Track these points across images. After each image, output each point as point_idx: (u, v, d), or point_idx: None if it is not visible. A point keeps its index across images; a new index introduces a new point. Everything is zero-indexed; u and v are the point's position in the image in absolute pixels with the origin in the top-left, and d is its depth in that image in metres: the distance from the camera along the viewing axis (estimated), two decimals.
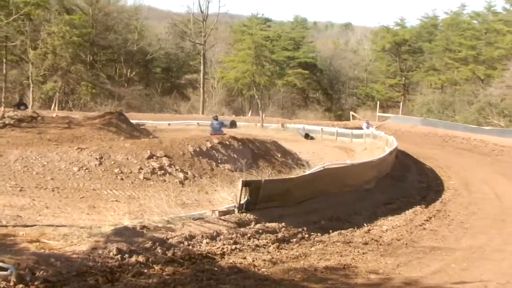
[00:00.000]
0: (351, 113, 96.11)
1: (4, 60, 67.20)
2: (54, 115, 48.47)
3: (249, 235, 21.81)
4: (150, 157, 32.38)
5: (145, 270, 16.90)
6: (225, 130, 55.84)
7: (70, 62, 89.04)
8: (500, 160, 49.80)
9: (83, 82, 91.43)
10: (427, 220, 29.43)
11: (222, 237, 20.92)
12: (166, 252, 18.32)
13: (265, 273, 18.43)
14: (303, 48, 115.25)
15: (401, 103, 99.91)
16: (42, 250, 16.88)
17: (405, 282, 18.81)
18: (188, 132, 48.50)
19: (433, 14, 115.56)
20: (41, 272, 15.28)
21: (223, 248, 19.98)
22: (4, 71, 68.14)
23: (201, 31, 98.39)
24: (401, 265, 21.13)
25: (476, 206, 33.15)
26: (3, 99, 62.66)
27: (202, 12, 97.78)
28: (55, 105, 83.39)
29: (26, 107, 56.43)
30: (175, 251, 18.52)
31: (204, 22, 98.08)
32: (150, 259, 17.56)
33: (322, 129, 69.09)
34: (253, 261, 19.34)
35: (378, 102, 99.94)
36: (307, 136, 64.58)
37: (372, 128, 48.90)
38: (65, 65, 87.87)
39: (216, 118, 47.89)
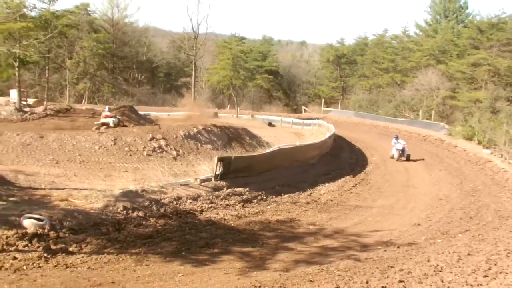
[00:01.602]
0: (303, 107, 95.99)
1: (47, 67, 66.86)
2: (83, 107, 48.14)
3: (221, 197, 22.01)
4: (152, 139, 32.35)
5: (144, 222, 17.10)
6: (209, 119, 55.72)
7: (96, 69, 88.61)
8: (409, 143, 49.82)
9: (106, 84, 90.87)
10: (354, 186, 29.69)
11: (201, 198, 21.12)
12: (160, 209, 18.53)
13: (232, 224, 18.63)
14: (268, 59, 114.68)
15: (340, 100, 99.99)
16: (69, 207, 17.04)
17: (334, 231, 19.05)
18: (181, 121, 48.35)
19: (365, 35, 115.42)
20: (67, 223, 15.50)
21: (202, 206, 20.20)
22: (47, 75, 67.80)
23: (193, 46, 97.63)
24: (332, 218, 21.38)
25: (390, 176, 33.49)
26: (46, 96, 62.37)
27: (194, 31, 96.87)
28: (85, 100, 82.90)
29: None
30: (166, 208, 18.74)
31: (196, 39, 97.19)
32: (147, 214, 17.76)
33: (281, 119, 68.93)
34: (224, 216, 19.56)
35: (323, 99, 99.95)
36: (270, 124, 64.38)
37: (401, 144, 42.52)
38: (93, 71, 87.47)
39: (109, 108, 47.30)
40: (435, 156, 42.88)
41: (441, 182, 32.42)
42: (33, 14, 38.27)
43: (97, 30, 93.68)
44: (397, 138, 42.01)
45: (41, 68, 78.40)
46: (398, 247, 16.46)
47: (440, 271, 12.33)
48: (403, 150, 40.62)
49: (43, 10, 47.42)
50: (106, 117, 37.28)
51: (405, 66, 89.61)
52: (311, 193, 26.58)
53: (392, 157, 40.91)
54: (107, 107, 41.06)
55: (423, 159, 38.24)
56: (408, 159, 40.11)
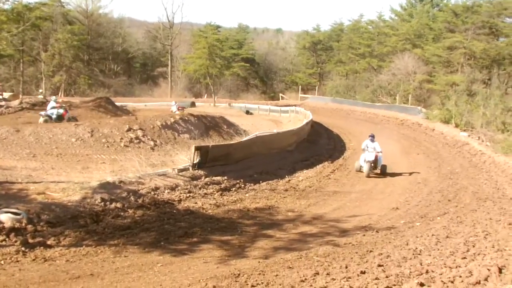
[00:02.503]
0: (281, 95, 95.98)
1: (22, 60, 66.42)
2: (60, 100, 47.88)
3: (200, 186, 22.01)
4: (129, 130, 32.18)
5: (122, 213, 17.06)
6: (186, 109, 55.53)
7: (72, 61, 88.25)
8: (387, 128, 50.27)
9: (82, 75, 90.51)
10: (332, 172, 29.84)
11: (179, 188, 21.11)
12: (137, 199, 18.48)
13: (211, 213, 18.63)
14: (245, 47, 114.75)
15: (317, 86, 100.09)
16: (46, 200, 16.95)
17: (313, 217, 19.10)
18: (159, 111, 48.22)
19: (340, 21, 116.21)
20: (45, 216, 15.42)
21: (180, 196, 20.18)
22: (21, 68, 67.36)
23: (169, 36, 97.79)
24: (311, 205, 21.45)
25: None
26: (21, 89, 61.92)
27: (169, 21, 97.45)
28: (61, 92, 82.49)
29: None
30: (144, 199, 18.71)
31: (171, 29, 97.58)
32: (125, 205, 17.71)
33: (259, 107, 68.92)
34: (202, 205, 19.56)
35: (300, 86, 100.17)
36: (247, 112, 64.31)
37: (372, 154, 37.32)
38: (68, 63, 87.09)
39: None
40: (413, 140, 43.21)
41: (419, 165, 32.66)
42: (5, 7, 37.84)
43: (71, 22, 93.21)
44: (372, 138, 30.70)
45: (16, 61, 77.88)
46: (377, 231, 16.55)
47: (419, 254, 12.42)
48: (375, 161, 29.77)
49: (16, 3, 47.01)
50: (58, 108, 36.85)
51: (381, 51, 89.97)
52: (289, 180, 26.65)
53: (359, 170, 30.21)
54: (53, 97, 40.65)
55: (418, 154, 37.77)
56: (383, 173, 29.88)
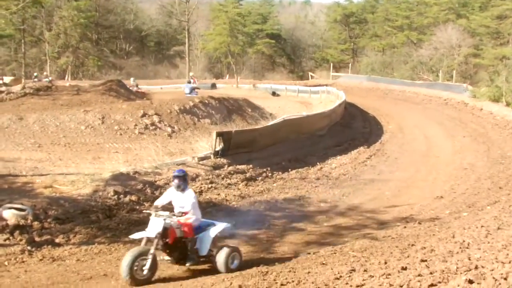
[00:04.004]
0: (310, 73, 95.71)
1: (23, 41, 66.68)
2: (67, 84, 48.07)
3: (222, 175, 22.05)
4: (143, 115, 32.30)
5: (137, 207, 17.14)
6: (206, 91, 55.46)
7: (79, 40, 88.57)
8: (428, 108, 49.99)
9: (90, 56, 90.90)
10: (368, 158, 29.74)
11: (200, 178, 21.16)
12: (154, 191, 18.55)
13: (235, 205, 18.70)
14: (269, 21, 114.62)
15: (350, 64, 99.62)
16: (54, 194, 17.04)
17: (348, 208, 19.10)
18: (176, 94, 48.24)
19: None
20: (52, 212, 15.51)
21: (201, 187, 20.24)
22: (23, 50, 67.64)
23: (185, 11, 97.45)
24: (346, 194, 21.44)
25: (408, 146, 33.49)
26: (23, 73, 62.23)
27: None
28: (68, 76, 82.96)
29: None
30: (162, 191, 18.64)
31: (187, 3, 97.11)
32: (141, 198, 17.80)
33: (286, 87, 68.66)
34: (226, 196, 19.61)
35: (331, 64, 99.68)
36: (274, 93, 64.15)
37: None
38: (75, 43, 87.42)
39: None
40: (458, 121, 42.87)
41: (465, 149, 32.41)
42: None
43: None
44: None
45: (17, 42, 78.27)
46: (419, 223, 16.49)
47: (467, 248, 12.30)
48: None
49: None
50: None
51: (421, 23, 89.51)
52: (321, 168, 26.63)
53: None
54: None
55: (464, 137, 37.19)
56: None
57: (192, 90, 42.24)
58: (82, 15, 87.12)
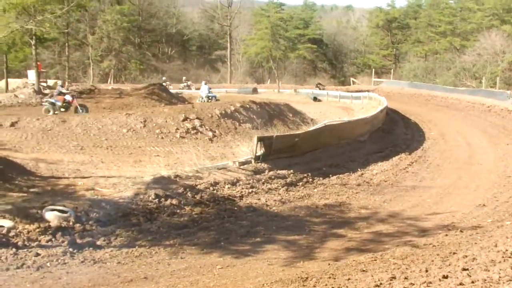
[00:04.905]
0: (352, 79, 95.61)
1: (67, 44, 67.44)
2: (109, 87, 48.50)
3: (263, 180, 22.05)
4: (185, 119, 32.48)
5: (178, 211, 17.21)
6: (247, 95, 55.76)
7: (122, 44, 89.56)
8: (471, 115, 49.62)
9: (133, 60, 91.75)
10: (410, 165, 29.52)
11: (241, 182, 21.17)
12: (195, 195, 18.61)
13: (276, 210, 18.68)
14: (311, 26, 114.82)
15: (392, 70, 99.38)
16: (96, 196, 17.20)
17: (389, 215, 18.97)
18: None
19: None
20: (94, 214, 15.65)
21: (241, 192, 20.26)
22: (67, 53, 68.38)
23: (227, 15, 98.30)
24: (387, 201, 21.29)
25: (450, 152, 33.19)
26: (66, 76, 62.96)
27: None
28: (110, 79, 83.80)
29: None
30: (202, 195, 18.83)
31: (230, 7, 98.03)
32: (182, 202, 17.86)
33: (327, 93, 68.79)
34: (266, 201, 19.60)
35: (373, 69, 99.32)
36: (315, 99, 64.25)
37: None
38: (118, 47, 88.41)
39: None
40: (502, 128, 42.42)
41: (508, 157, 32.01)
42: None
43: (120, 1, 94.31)
44: None
45: (61, 45, 79.38)
46: (461, 231, 16.32)
47: (509, 257, 12.16)
48: None
49: None
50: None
51: (464, 29, 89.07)
52: (362, 174, 26.47)
53: None
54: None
55: (507, 144, 36.49)
56: None
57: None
58: (125, 19, 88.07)
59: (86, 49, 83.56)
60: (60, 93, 36.96)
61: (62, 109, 35.85)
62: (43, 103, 37.11)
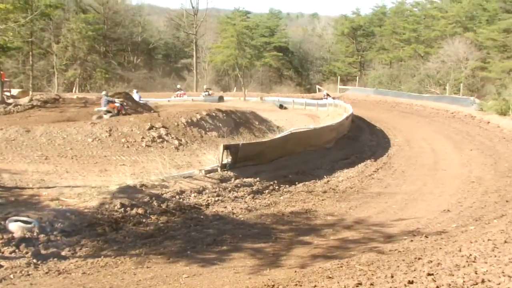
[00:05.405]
0: (317, 86, 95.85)
1: (31, 53, 67.01)
2: (74, 96, 48.24)
3: (229, 188, 22.08)
4: (150, 128, 32.37)
5: (144, 220, 17.17)
6: (214, 103, 56.01)
7: (87, 53, 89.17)
8: (436, 121, 50.02)
9: (98, 69, 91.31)
10: (375, 171, 29.73)
11: (207, 191, 21.18)
12: (161, 204, 18.59)
13: (242, 218, 18.70)
14: (277, 34, 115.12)
15: (358, 77, 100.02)
16: (61, 207, 17.10)
17: (355, 221, 19.08)
18: (183, 107, 48.31)
19: (382, 4, 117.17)
20: (59, 224, 15.55)
21: (207, 200, 20.26)
22: (31, 62, 67.92)
23: (193, 23, 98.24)
24: (353, 207, 21.42)
25: (415, 159, 33.48)
26: (31, 85, 62.52)
27: (193, 7, 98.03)
28: (75, 88, 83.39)
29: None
30: (168, 203, 18.81)
31: (195, 16, 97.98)
32: (147, 211, 17.82)
33: (293, 100, 68.77)
34: (232, 209, 19.63)
35: (339, 77, 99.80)
36: (281, 106, 64.33)
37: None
38: (83, 55, 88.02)
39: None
40: (465, 134, 42.89)
41: (472, 162, 32.35)
42: None
43: (85, 10, 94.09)
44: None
45: (25, 54, 78.84)
46: (426, 236, 16.43)
47: (474, 262, 12.28)
48: None
49: None
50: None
51: (428, 36, 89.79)
52: (328, 181, 26.59)
53: None
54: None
55: (471, 150, 36.98)
56: None
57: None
58: (90, 27, 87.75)
59: (51, 58, 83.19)
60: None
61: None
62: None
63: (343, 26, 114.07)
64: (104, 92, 40.88)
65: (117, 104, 38.21)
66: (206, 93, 71.22)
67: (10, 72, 78.14)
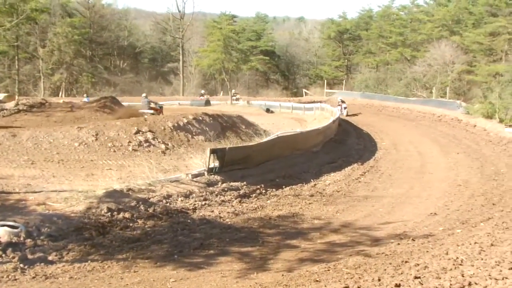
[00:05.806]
0: (304, 90, 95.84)
1: (17, 57, 66.75)
2: (60, 101, 48.16)
3: (216, 192, 22.06)
4: (137, 132, 32.32)
5: (131, 224, 17.12)
6: (200, 107, 56.21)
7: (73, 57, 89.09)
8: (422, 124, 50.15)
9: (84, 73, 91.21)
10: (362, 175, 29.77)
11: (194, 195, 21.16)
12: (148, 209, 18.54)
13: (229, 222, 18.67)
14: (263, 38, 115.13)
15: (344, 80, 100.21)
16: (47, 211, 17.03)
17: (342, 225, 19.08)
18: (170, 111, 48.25)
19: (369, 7, 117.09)
20: (45, 229, 15.48)
21: (194, 204, 20.24)
22: (17, 66, 67.69)
23: (179, 27, 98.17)
24: (340, 211, 21.43)
25: (402, 162, 33.57)
26: (17, 89, 62.26)
27: (179, 11, 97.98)
28: (62, 92, 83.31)
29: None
30: (155, 208, 18.76)
31: (182, 20, 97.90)
32: (134, 215, 17.77)
33: (280, 104, 68.94)
34: (219, 213, 19.60)
35: (325, 80, 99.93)
36: (268, 110, 64.51)
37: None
38: (69, 60, 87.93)
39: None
40: (452, 138, 43.00)
41: (459, 166, 32.45)
42: None
43: (71, 14, 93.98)
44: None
45: (10, 59, 78.41)
46: (413, 239, 16.46)
47: (460, 265, 12.31)
48: None
49: None
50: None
51: (415, 40, 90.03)
52: (315, 184, 26.62)
53: None
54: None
55: (457, 153, 37.14)
56: None
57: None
58: (76, 31, 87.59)
59: (37, 62, 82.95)
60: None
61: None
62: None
63: (330, 29, 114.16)
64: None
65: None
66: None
67: None
